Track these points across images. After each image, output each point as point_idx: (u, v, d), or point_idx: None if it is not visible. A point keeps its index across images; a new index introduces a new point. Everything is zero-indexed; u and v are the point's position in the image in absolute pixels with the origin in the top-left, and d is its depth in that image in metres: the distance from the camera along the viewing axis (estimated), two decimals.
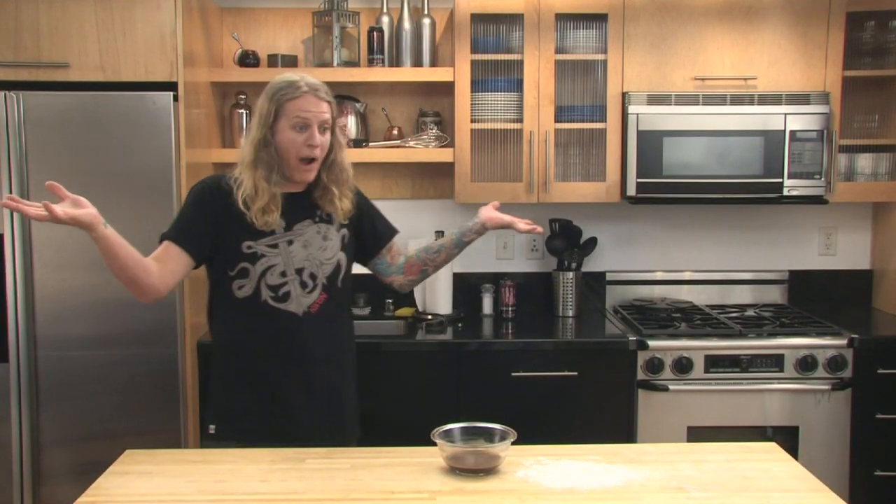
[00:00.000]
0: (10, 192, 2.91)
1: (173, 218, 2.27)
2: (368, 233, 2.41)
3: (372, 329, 3.53)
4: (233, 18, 3.62)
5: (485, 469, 1.86)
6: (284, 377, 2.23)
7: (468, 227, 2.45)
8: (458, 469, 1.86)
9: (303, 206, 2.26)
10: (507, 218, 2.44)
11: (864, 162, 3.50)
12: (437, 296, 3.50)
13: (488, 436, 1.94)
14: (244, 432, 2.19)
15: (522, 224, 2.44)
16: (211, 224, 2.19)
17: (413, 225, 3.73)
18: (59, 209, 1.87)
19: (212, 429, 2.25)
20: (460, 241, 2.45)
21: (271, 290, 2.20)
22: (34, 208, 1.87)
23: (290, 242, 2.22)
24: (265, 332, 2.22)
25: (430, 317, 3.47)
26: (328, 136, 2.22)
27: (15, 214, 2.92)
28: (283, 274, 2.21)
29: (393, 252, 2.47)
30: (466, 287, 3.66)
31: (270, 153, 2.17)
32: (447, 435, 1.94)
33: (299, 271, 2.22)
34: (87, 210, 1.94)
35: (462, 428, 1.97)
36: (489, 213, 2.46)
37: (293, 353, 2.23)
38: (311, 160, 2.19)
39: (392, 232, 2.49)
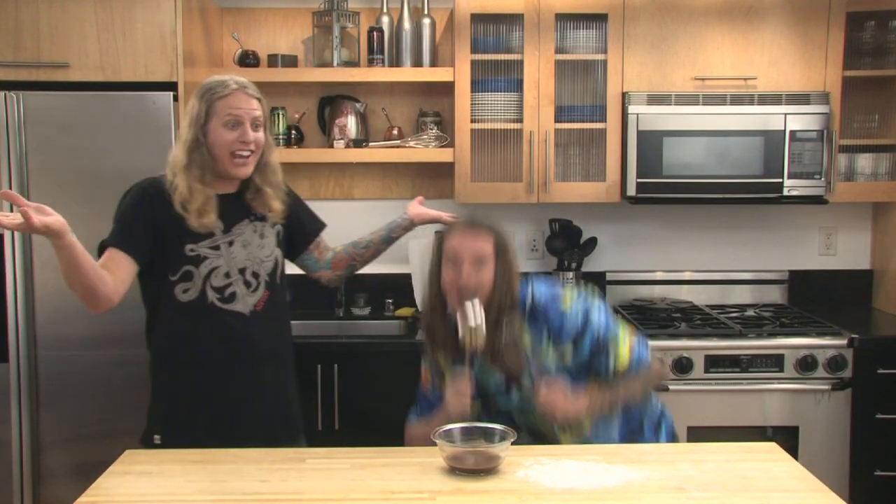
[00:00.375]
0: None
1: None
2: (297, 229, 2.43)
3: (372, 329, 3.54)
4: (233, 18, 3.62)
5: (485, 469, 1.86)
6: (233, 378, 2.22)
7: (396, 224, 2.49)
8: (458, 469, 1.86)
9: (238, 207, 2.25)
10: (433, 213, 2.47)
11: (864, 162, 3.50)
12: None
13: (488, 436, 1.94)
14: (193, 438, 2.14)
15: (446, 216, 2.43)
16: (150, 227, 2.16)
17: None
18: (34, 216, 1.83)
19: (157, 439, 2.21)
20: (388, 236, 2.49)
21: (217, 291, 2.19)
22: (9, 218, 1.83)
23: (231, 243, 2.21)
24: (212, 334, 2.20)
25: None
26: (261, 133, 2.21)
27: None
28: (227, 275, 2.20)
29: (321, 248, 2.50)
30: None
31: (203, 154, 2.15)
32: (447, 435, 1.94)
33: (242, 271, 2.22)
34: (56, 217, 1.90)
35: (462, 428, 1.97)
36: (416, 209, 2.49)
37: (242, 352, 2.23)
38: (247, 155, 2.19)
39: (319, 227, 2.51)
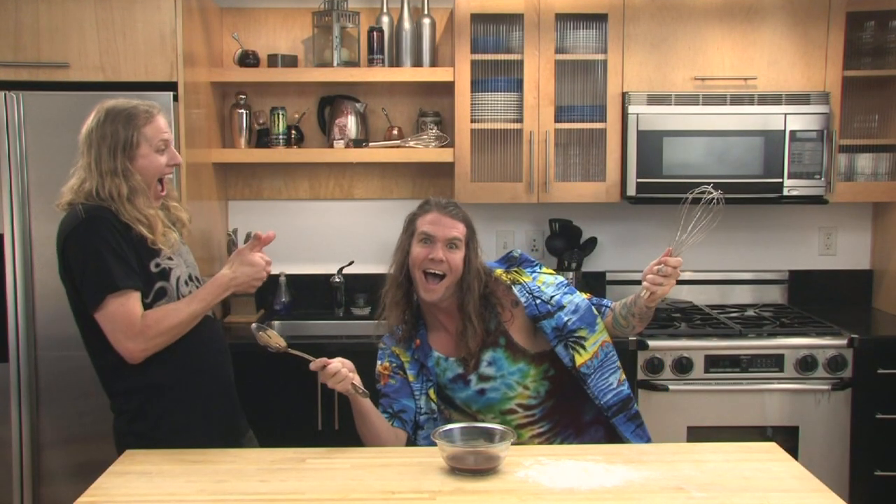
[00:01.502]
0: (10, 192, 2.92)
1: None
2: None
3: (372, 329, 3.52)
4: (233, 18, 3.62)
5: (484, 469, 1.86)
6: (215, 382, 2.23)
7: None
8: (458, 469, 1.86)
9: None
10: None
11: (864, 162, 3.50)
12: None
13: (488, 436, 1.94)
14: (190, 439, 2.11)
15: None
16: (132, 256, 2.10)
17: None
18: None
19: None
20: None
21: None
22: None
23: (172, 257, 2.18)
24: (202, 341, 2.18)
25: None
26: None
27: (15, 214, 2.92)
28: (189, 278, 2.21)
29: None
30: None
31: (137, 180, 2.11)
32: (447, 435, 1.94)
33: (190, 276, 2.23)
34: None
35: (462, 428, 1.98)
36: None
37: (220, 354, 2.26)
38: (171, 176, 2.24)
39: None
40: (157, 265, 2.12)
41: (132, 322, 2.03)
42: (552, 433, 2.22)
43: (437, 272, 2.17)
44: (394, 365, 2.25)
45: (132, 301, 2.04)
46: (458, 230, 2.18)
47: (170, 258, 2.15)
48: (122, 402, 2.16)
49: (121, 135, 2.10)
